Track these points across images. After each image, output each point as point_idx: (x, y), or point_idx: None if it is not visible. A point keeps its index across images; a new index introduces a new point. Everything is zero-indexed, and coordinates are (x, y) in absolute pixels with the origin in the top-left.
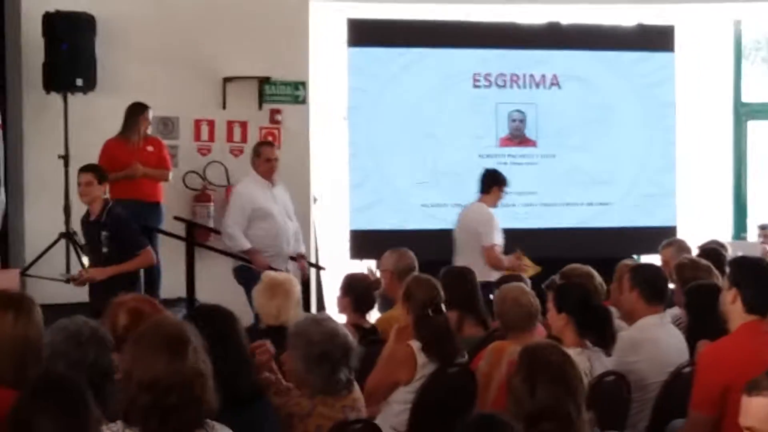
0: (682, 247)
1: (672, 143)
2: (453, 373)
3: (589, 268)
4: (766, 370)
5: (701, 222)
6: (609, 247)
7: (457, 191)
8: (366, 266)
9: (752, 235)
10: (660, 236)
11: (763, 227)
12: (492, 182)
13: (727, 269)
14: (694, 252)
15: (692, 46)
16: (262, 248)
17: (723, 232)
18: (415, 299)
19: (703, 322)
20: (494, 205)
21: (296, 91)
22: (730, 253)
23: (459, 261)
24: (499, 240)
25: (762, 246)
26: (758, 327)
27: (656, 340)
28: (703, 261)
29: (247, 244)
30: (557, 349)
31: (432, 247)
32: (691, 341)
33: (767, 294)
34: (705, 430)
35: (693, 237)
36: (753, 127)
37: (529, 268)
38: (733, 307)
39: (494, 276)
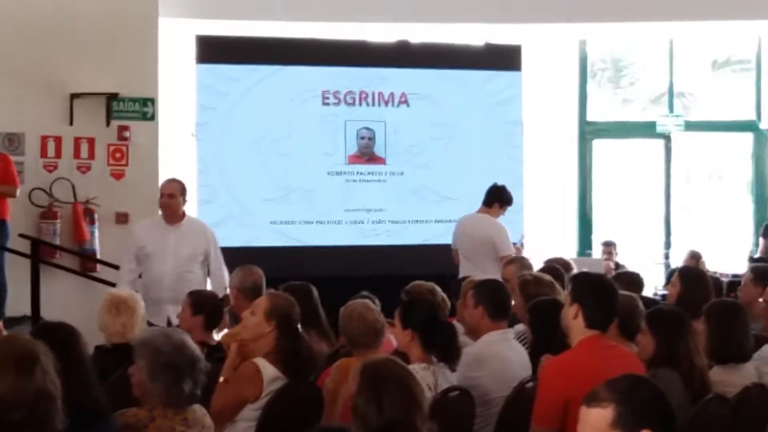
0: (525, 265)
1: (519, 161)
2: (300, 389)
3: (432, 285)
4: (605, 382)
5: (547, 238)
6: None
7: (306, 208)
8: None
9: (597, 251)
10: None
11: (606, 244)
12: (494, 198)
13: (569, 285)
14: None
15: (539, 66)
16: (143, 291)
17: (568, 249)
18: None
19: (545, 337)
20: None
21: (145, 108)
22: (574, 269)
23: (473, 272)
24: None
25: (606, 262)
26: (599, 341)
27: (500, 355)
28: (546, 277)
29: (120, 284)
30: (397, 363)
31: (281, 263)
32: (535, 356)
33: (607, 309)
34: None
35: (539, 253)
36: (598, 145)
37: None
38: (574, 322)
39: None
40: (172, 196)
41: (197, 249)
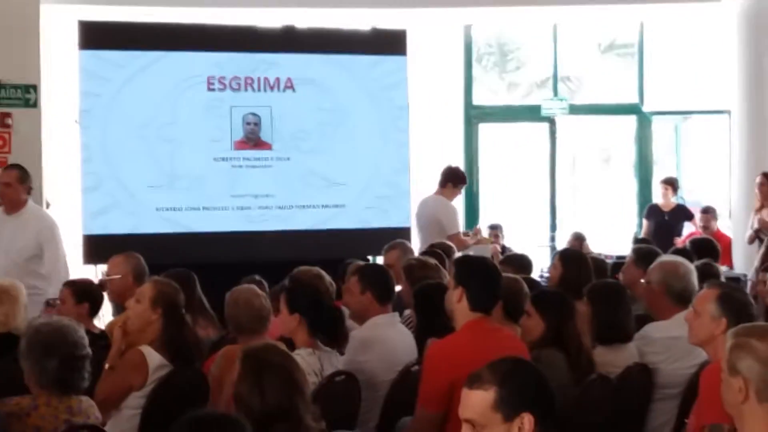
0: (407, 249)
1: (405, 145)
2: (185, 376)
3: (318, 270)
4: (486, 365)
5: None
6: (345, 248)
7: (192, 195)
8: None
9: (484, 234)
10: (395, 237)
11: (493, 227)
12: (447, 178)
13: (452, 268)
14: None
15: (425, 50)
16: None
17: None
18: (165, 302)
19: (431, 321)
20: (450, 200)
21: (27, 95)
22: (457, 253)
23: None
24: (460, 228)
25: (493, 246)
26: (483, 324)
27: (386, 339)
28: (431, 260)
29: None
30: (279, 350)
31: (167, 250)
32: (421, 340)
33: (490, 292)
34: (431, 427)
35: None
36: (484, 129)
37: (487, 241)
38: (458, 305)
39: None
40: (8, 185)
41: (28, 242)
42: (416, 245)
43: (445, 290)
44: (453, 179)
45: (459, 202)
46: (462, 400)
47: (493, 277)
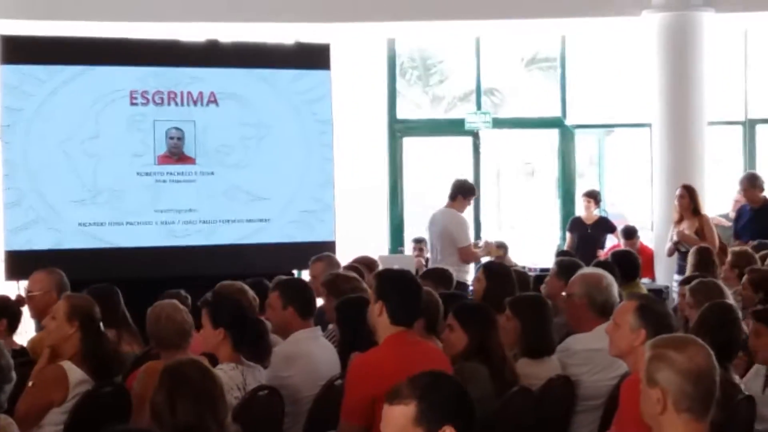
0: (332, 262)
1: (329, 159)
2: (107, 392)
3: (241, 284)
4: (406, 379)
5: (359, 236)
6: (269, 263)
7: (115, 210)
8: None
9: (409, 248)
10: (319, 251)
11: (417, 241)
12: (456, 191)
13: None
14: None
15: (349, 64)
16: None
17: (380, 246)
18: (80, 315)
19: (353, 335)
20: (461, 212)
21: None
22: (381, 267)
23: (439, 263)
24: (472, 240)
25: (417, 259)
26: (405, 338)
27: (309, 354)
28: (353, 274)
29: None
30: (198, 366)
31: (90, 266)
32: (344, 354)
33: (410, 305)
34: None
35: (351, 252)
36: (408, 143)
37: (494, 250)
38: (379, 319)
39: (470, 278)
40: None
41: None
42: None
43: (367, 304)
44: (462, 191)
45: (384, 215)
46: (383, 416)
47: (413, 290)
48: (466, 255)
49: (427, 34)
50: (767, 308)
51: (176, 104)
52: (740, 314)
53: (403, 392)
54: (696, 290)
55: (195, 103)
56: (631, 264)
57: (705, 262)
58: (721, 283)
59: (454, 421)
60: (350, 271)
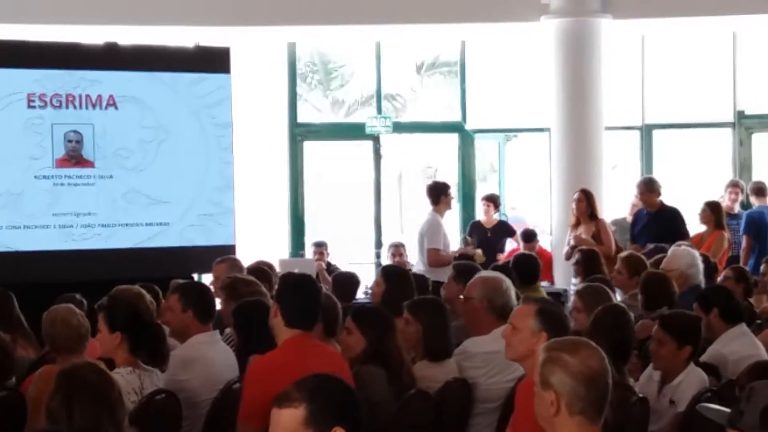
0: (235, 265)
1: (229, 163)
2: (2, 396)
3: (138, 288)
4: (294, 383)
5: (260, 240)
6: (168, 267)
7: (12, 213)
8: None
9: (309, 252)
10: (219, 255)
11: (318, 245)
12: (434, 194)
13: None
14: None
15: (249, 68)
16: None
17: (281, 250)
18: None
19: (252, 338)
20: (448, 210)
21: None
22: (279, 271)
23: (418, 266)
24: (443, 244)
25: (318, 263)
26: (303, 340)
27: (207, 357)
28: (251, 278)
29: None
30: (95, 369)
31: None
32: (242, 358)
33: (307, 308)
34: None
35: (251, 255)
36: (308, 147)
37: (478, 255)
38: (277, 321)
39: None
40: None
41: None
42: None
43: (265, 307)
44: (441, 192)
45: (284, 219)
46: (272, 419)
47: (310, 294)
48: (432, 257)
49: (328, 38)
50: (674, 315)
51: (75, 107)
52: (632, 317)
53: (292, 395)
54: (584, 294)
55: (94, 106)
56: (530, 267)
57: (591, 264)
58: (605, 287)
59: (344, 422)
60: (252, 273)
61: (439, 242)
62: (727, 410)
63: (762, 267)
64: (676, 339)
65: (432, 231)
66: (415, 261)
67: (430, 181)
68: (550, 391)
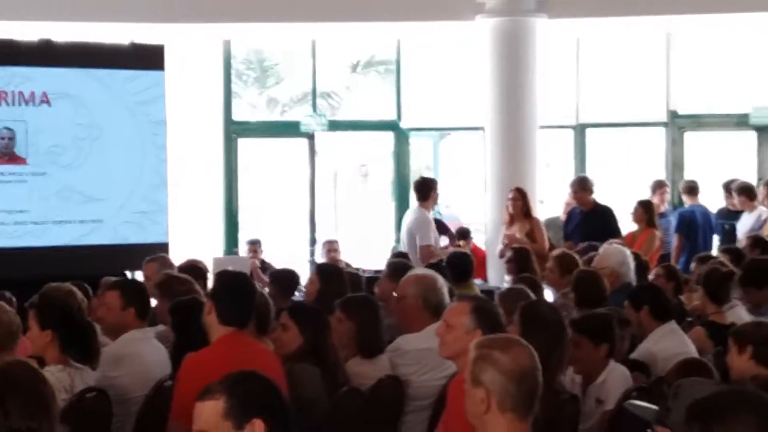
0: (166, 263)
1: (163, 160)
2: None
3: (69, 286)
4: (220, 378)
5: (194, 237)
6: (102, 264)
7: None
8: None
9: (244, 249)
10: (152, 252)
11: (252, 242)
12: (422, 190)
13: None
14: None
15: (184, 65)
16: None
17: (215, 247)
18: None
19: (187, 336)
20: (435, 205)
21: None
22: (213, 268)
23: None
24: (433, 240)
25: (252, 260)
26: (236, 338)
27: (139, 354)
28: (186, 276)
29: None
30: (28, 367)
31: None
32: (177, 356)
33: (242, 307)
34: None
35: (185, 253)
36: (243, 144)
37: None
38: (211, 319)
39: None
40: None
41: None
42: None
43: (200, 305)
44: (429, 188)
45: (219, 217)
46: (194, 413)
47: (245, 292)
48: (426, 254)
49: (263, 36)
50: (586, 317)
51: (7, 104)
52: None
53: (213, 388)
54: (504, 296)
55: (27, 102)
56: (464, 265)
57: (522, 262)
58: (527, 288)
59: (264, 414)
60: (185, 272)
61: (430, 238)
62: (655, 407)
63: (692, 265)
64: (590, 339)
65: (423, 227)
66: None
67: (417, 177)
68: (480, 389)
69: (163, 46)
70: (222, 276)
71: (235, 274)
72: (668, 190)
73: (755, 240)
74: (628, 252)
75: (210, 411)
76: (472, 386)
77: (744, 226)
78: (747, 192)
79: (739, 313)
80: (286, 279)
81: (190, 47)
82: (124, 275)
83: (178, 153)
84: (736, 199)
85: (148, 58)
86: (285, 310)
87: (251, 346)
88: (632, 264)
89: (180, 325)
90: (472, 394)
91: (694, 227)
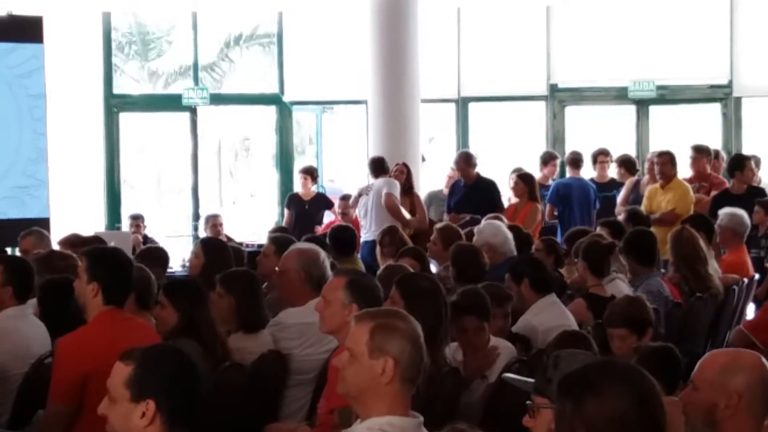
0: (42, 238)
1: (42, 134)
2: None
3: None
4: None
5: (75, 212)
6: None
7: None
8: None
9: (126, 224)
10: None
11: (134, 217)
12: (380, 168)
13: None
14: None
15: (63, 38)
16: None
17: (97, 223)
18: None
19: (57, 315)
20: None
21: None
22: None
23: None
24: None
25: (134, 236)
26: (115, 315)
27: (17, 330)
28: (68, 252)
29: None
30: None
31: None
32: (53, 333)
33: (123, 284)
34: (63, 420)
35: (67, 228)
36: (125, 119)
37: None
38: (94, 300)
39: None
40: None
41: None
42: None
43: (71, 284)
44: (384, 168)
45: (100, 192)
46: (114, 371)
47: (125, 269)
48: (390, 200)
49: (144, 8)
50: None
51: None
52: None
53: (132, 353)
54: (383, 277)
55: None
56: (347, 239)
57: (394, 239)
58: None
59: (159, 398)
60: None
61: (397, 192)
62: (532, 380)
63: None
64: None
65: (392, 184)
66: (365, 225)
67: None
68: (384, 358)
69: (41, 18)
70: (100, 254)
71: (114, 251)
72: (557, 162)
73: (631, 214)
74: (503, 226)
75: (119, 373)
76: (369, 357)
77: (622, 198)
78: (627, 164)
79: (618, 286)
80: (153, 256)
81: (70, 19)
82: (4, 251)
83: (58, 127)
84: (616, 171)
85: (26, 30)
86: (160, 287)
87: (130, 322)
88: (510, 237)
89: (49, 303)
90: (366, 366)
91: (569, 199)
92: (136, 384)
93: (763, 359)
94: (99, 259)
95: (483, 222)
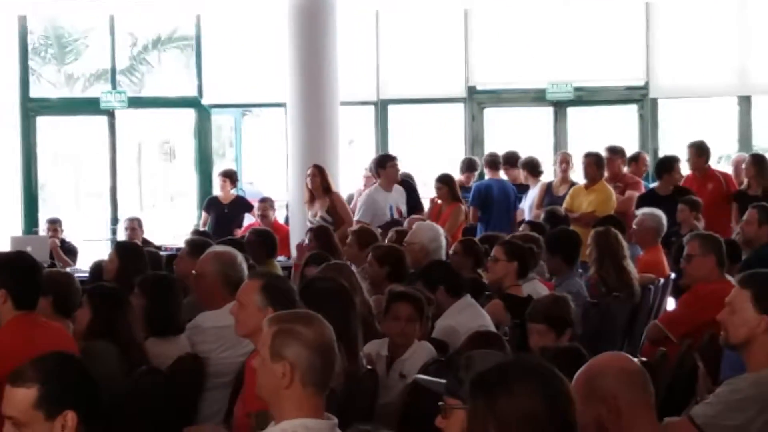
0: None
1: None
2: None
3: None
4: (32, 361)
5: None
6: None
7: None
8: None
9: (43, 229)
10: None
11: (51, 221)
12: (379, 166)
13: None
14: None
15: None
16: None
17: (14, 227)
18: None
19: None
20: (395, 180)
21: None
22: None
23: None
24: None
25: (52, 240)
26: (27, 320)
27: None
28: None
29: None
30: None
31: None
32: None
33: (33, 289)
34: None
35: None
36: (41, 122)
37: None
38: (3, 307)
39: None
40: None
41: None
42: None
43: None
44: (380, 165)
45: (17, 196)
46: (5, 397)
47: (33, 273)
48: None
49: (61, 11)
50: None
51: None
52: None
53: (27, 375)
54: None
55: None
56: (266, 242)
57: (324, 240)
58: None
59: (77, 406)
60: None
61: (363, 215)
62: (443, 381)
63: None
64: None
65: (361, 203)
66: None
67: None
68: (282, 363)
69: None
70: (6, 261)
71: (18, 256)
72: (477, 165)
73: (550, 213)
74: (440, 229)
75: (21, 398)
76: (271, 361)
77: (530, 199)
78: (530, 167)
79: (534, 286)
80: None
81: None
82: None
83: None
84: (521, 174)
85: None
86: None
87: (43, 326)
88: (444, 241)
89: None
90: (270, 369)
91: (490, 201)
92: (47, 401)
93: (617, 355)
94: (2, 265)
95: (419, 223)
